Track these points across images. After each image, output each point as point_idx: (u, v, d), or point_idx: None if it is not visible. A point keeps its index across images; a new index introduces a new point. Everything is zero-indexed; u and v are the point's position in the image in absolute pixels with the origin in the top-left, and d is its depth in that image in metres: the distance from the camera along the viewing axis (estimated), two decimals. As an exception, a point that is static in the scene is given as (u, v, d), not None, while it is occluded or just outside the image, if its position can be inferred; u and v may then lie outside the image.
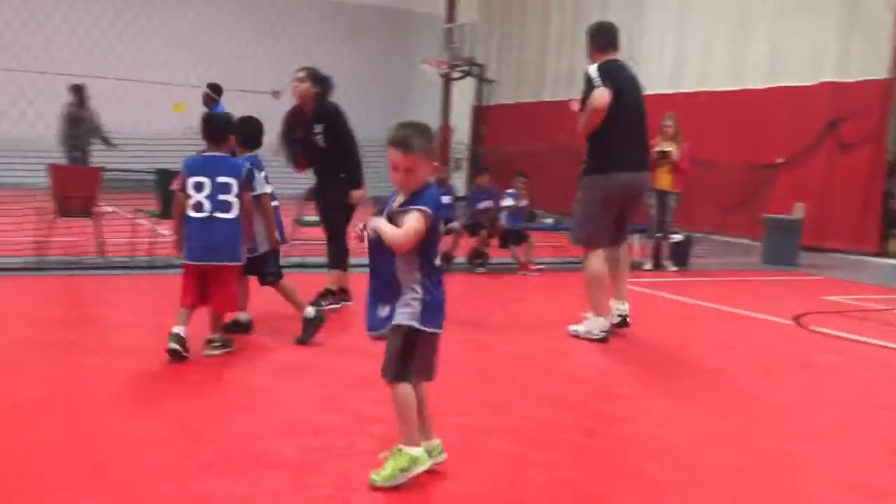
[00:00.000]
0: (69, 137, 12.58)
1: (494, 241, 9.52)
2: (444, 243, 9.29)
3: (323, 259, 6.71)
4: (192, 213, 4.69)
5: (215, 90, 10.67)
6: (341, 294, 6.43)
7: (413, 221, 2.98)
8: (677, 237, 10.61)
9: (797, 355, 5.92)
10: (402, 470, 3.01)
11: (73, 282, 7.25)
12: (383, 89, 19.07)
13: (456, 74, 19.58)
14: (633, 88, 5.94)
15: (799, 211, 12.38)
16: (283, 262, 5.59)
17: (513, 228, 9.47)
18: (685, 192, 10.68)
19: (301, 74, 6.36)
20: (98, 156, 12.57)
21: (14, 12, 16.46)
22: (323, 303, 6.17)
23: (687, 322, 7.08)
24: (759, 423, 4.20)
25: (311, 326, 5.17)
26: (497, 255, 9.55)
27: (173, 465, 3.11)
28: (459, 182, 18.31)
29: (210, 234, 4.67)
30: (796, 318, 7.07)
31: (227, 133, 4.93)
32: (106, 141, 13.18)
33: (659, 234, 10.37)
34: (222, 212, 4.68)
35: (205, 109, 9.77)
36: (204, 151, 4.94)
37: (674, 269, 10.32)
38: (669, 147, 10.13)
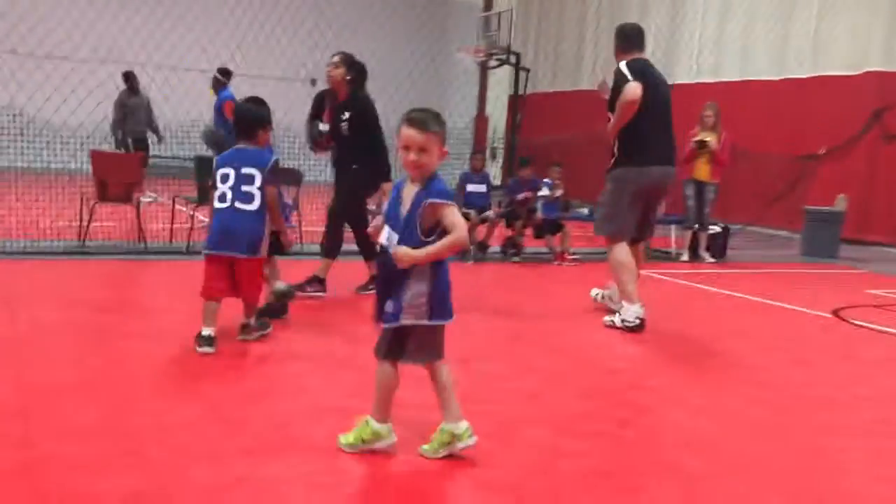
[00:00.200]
0: (119, 123, 12.77)
1: (529, 231, 9.49)
2: (479, 232, 9.30)
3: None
4: (217, 204, 4.72)
5: (224, 74, 10.71)
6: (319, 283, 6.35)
7: (455, 216, 3.07)
8: (715, 228, 10.49)
9: (837, 349, 5.83)
10: (364, 440, 3.16)
11: (113, 266, 7.36)
12: (420, 78, 19.04)
13: (493, 63, 19.49)
14: (661, 85, 6.11)
15: (841, 203, 12.15)
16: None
17: (548, 218, 9.43)
18: (724, 183, 10.54)
19: (336, 59, 6.38)
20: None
21: (56, 0, 16.71)
22: (308, 288, 6.18)
23: (723, 314, 7.00)
24: (797, 416, 4.14)
25: (281, 296, 5.22)
26: (532, 245, 9.52)
27: (210, 449, 3.15)
28: (495, 171, 18.24)
29: (230, 224, 4.66)
30: (836, 312, 6.95)
31: (258, 128, 4.90)
32: (156, 132, 13.37)
33: (696, 226, 10.26)
34: (244, 203, 4.66)
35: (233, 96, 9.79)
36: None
37: (711, 260, 10.20)
38: (709, 137, 10.00)
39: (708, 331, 6.15)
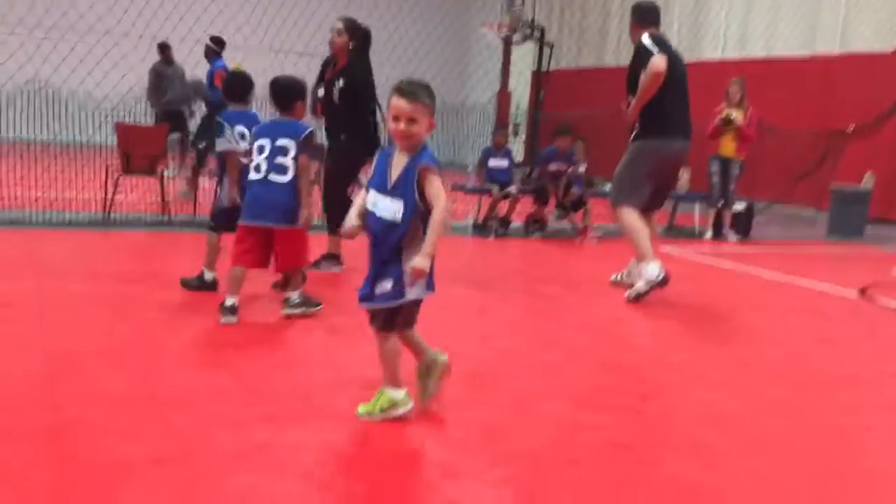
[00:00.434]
0: (154, 93, 12.76)
1: (550, 207, 9.43)
2: (500, 208, 9.27)
3: None
4: (252, 175, 4.74)
5: (217, 43, 10.67)
6: (331, 258, 6.33)
7: (440, 186, 3.13)
8: (740, 206, 10.38)
9: (862, 327, 5.77)
10: (382, 409, 3.21)
11: (138, 238, 7.43)
12: (442, 54, 18.95)
13: (516, 38, 19.33)
14: (679, 59, 6.24)
15: (868, 181, 11.98)
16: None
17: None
18: (749, 160, 10.42)
19: (340, 26, 6.23)
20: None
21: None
22: (324, 264, 6.19)
23: (747, 292, 6.95)
24: (821, 394, 4.12)
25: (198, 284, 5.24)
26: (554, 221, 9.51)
27: (234, 416, 3.18)
28: (517, 147, 18.15)
29: (263, 196, 4.68)
30: (862, 290, 6.88)
31: (296, 98, 4.90)
32: (188, 106, 13.35)
33: (721, 203, 10.16)
34: (277, 174, 4.67)
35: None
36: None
37: (735, 238, 10.12)
38: (735, 113, 9.88)
39: (731, 308, 6.11)
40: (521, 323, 5.25)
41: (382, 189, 3.18)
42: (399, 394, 3.23)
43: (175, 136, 11.41)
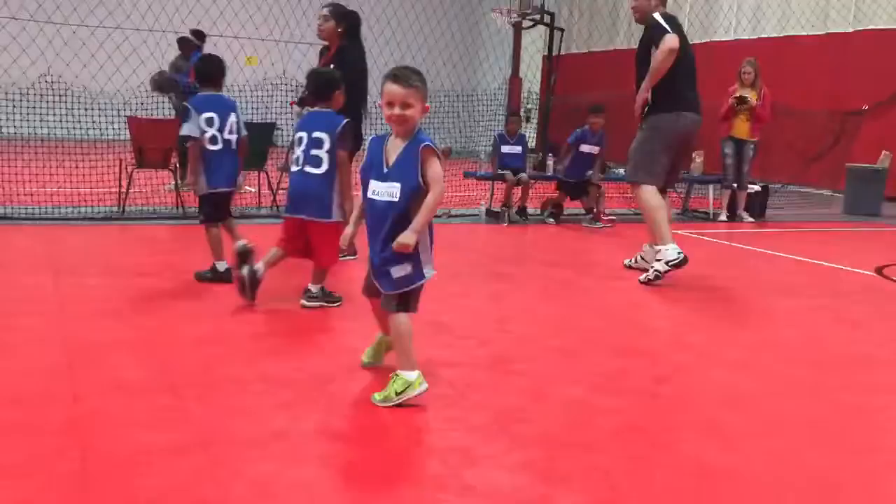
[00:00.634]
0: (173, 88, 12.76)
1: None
2: (515, 194, 9.26)
3: None
4: (292, 167, 4.80)
5: (197, 36, 10.61)
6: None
7: (440, 168, 3.19)
8: (754, 187, 10.32)
9: (879, 307, 5.74)
10: (398, 393, 3.22)
11: (153, 231, 7.47)
12: (452, 40, 18.88)
13: (527, 23, 19.22)
14: (687, 41, 6.24)
15: (885, 160, 11.87)
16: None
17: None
18: (764, 141, 10.35)
19: (325, 12, 6.13)
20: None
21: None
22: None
23: (762, 273, 6.92)
24: (839, 374, 4.10)
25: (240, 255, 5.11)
26: (568, 206, 9.47)
27: (252, 405, 3.21)
28: (530, 133, 18.08)
29: (299, 188, 4.72)
30: (879, 270, 6.83)
31: (334, 89, 4.88)
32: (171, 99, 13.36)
33: (735, 185, 10.10)
34: (313, 166, 4.68)
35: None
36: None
37: (750, 220, 10.06)
38: (748, 94, 9.80)
39: (747, 289, 6.09)
40: (537, 308, 5.25)
41: (380, 175, 3.23)
42: (412, 375, 3.24)
43: None
